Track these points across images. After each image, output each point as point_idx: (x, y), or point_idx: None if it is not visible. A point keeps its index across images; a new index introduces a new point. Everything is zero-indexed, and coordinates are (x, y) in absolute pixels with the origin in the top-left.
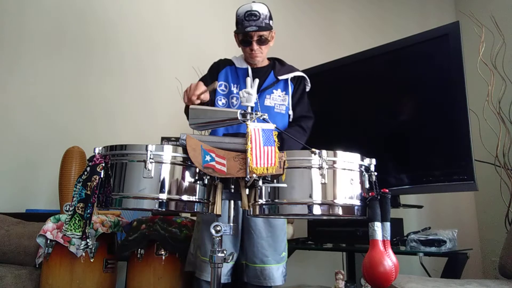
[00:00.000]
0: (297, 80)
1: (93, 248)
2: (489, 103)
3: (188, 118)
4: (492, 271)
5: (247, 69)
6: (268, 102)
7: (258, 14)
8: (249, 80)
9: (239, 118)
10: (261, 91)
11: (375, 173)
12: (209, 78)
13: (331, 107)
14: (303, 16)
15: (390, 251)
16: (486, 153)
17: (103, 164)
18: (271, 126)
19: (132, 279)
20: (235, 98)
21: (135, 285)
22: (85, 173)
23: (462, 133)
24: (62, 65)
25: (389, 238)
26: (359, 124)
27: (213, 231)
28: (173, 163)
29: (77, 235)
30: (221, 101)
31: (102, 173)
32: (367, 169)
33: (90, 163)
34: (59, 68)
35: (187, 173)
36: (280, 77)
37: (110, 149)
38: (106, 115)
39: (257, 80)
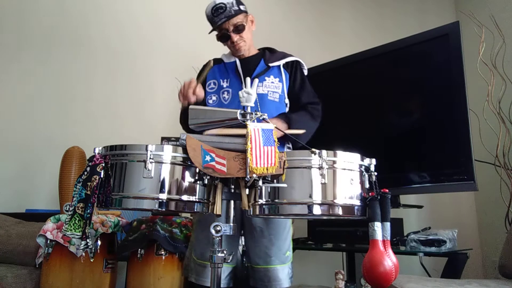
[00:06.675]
0: (291, 66)
1: (93, 248)
2: (489, 103)
3: (181, 122)
4: (492, 271)
5: (235, 62)
6: (260, 89)
7: (223, 5)
8: (248, 80)
9: (238, 118)
10: (252, 79)
11: (375, 173)
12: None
13: (330, 107)
14: (304, 13)
15: (390, 251)
16: (486, 153)
17: (103, 164)
18: (271, 126)
19: (132, 279)
20: (226, 93)
21: (135, 285)
22: (85, 173)
23: (462, 133)
24: (62, 65)
25: (389, 238)
26: (359, 124)
27: (213, 231)
28: (173, 163)
29: (77, 235)
30: (211, 99)
31: (102, 173)
32: (367, 169)
33: (90, 163)
34: (59, 68)
35: (187, 173)
36: (271, 64)
37: (110, 149)
38: (106, 115)
39: (256, 80)
